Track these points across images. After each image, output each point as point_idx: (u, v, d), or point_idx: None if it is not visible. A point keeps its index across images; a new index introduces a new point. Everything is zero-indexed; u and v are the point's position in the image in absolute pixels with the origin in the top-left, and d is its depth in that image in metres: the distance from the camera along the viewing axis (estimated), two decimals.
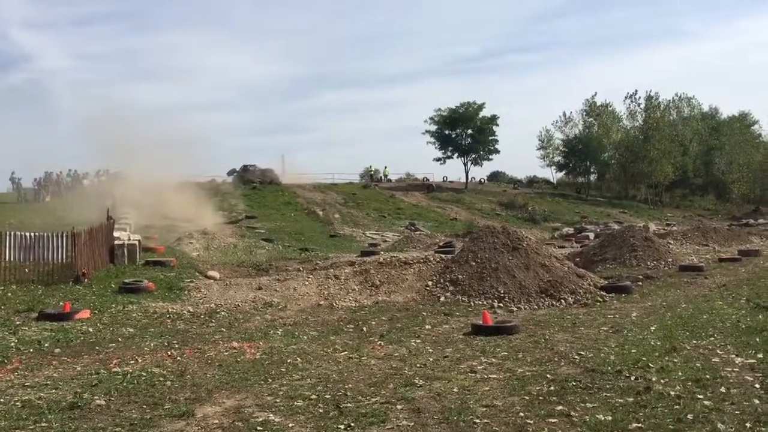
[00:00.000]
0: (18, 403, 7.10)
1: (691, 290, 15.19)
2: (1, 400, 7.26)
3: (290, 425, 6.37)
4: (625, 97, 66.88)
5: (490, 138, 60.24)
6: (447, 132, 60.29)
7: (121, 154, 43.16)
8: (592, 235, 35.89)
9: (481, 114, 59.82)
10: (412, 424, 6.29)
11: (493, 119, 60.04)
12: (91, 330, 11.40)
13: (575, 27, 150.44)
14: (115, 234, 19.97)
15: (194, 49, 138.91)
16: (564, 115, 69.10)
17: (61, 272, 15.81)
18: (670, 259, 20.21)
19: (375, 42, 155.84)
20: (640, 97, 66.05)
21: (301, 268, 19.24)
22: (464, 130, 60.05)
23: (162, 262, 18.99)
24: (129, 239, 19.99)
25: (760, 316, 11.14)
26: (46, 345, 10.20)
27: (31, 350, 9.88)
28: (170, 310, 13.34)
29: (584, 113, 67.83)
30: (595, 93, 79.83)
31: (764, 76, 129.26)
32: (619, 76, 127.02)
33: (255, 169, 52.19)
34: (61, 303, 13.08)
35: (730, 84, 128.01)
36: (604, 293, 14.57)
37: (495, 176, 70.50)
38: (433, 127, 60.42)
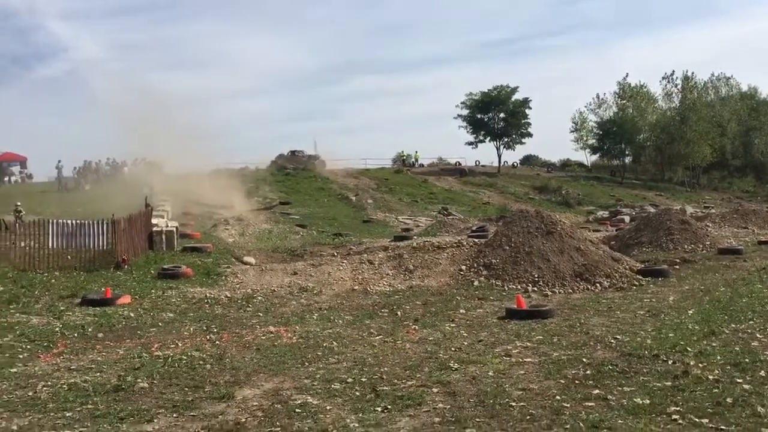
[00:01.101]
0: (65, 386, 7.34)
1: (730, 274, 14.94)
2: (49, 383, 7.51)
3: (328, 407, 6.47)
4: (662, 78, 65.62)
5: (523, 121, 59.54)
6: (479, 116, 59.76)
7: (158, 142, 43.85)
8: (627, 219, 35.47)
9: (514, 97, 59.17)
10: (449, 406, 6.35)
11: (526, 102, 59.33)
12: (132, 315, 11.67)
13: (605, 8, 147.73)
14: (153, 221, 20.33)
15: (226, 37, 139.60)
16: (597, 97, 67.95)
17: (102, 259, 16.19)
18: (708, 242, 19.86)
19: (404, 28, 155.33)
20: (677, 78, 64.78)
21: (335, 254, 19.39)
22: (497, 114, 59.48)
23: (199, 248, 19.29)
24: (167, 226, 20.33)
25: None
26: (89, 330, 10.49)
27: (76, 335, 10.17)
28: (208, 295, 13.58)
29: (617, 95, 66.69)
30: (627, 74, 78.40)
31: None
32: (652, 57, 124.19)
33: (302, 154, 52.58)
34: (102, 289, 13.39)
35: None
36: (640, 277, 14.42)
37: (528, 160, 69.84)
38: (465, 111, 60.00)
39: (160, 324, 11.09)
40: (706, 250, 19.10)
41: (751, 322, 9.53)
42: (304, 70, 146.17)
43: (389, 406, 6.43)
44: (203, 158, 41.66)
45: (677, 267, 16.17)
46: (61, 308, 11.97)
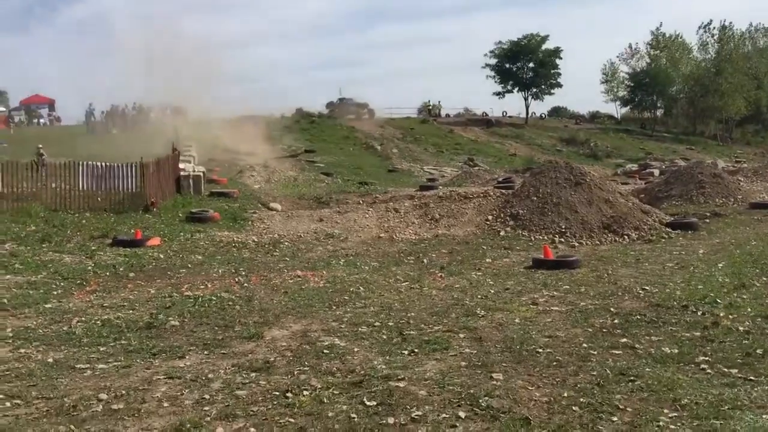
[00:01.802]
0: (98, 322, 7.51)
1: (762, 228, 14.71)
2: (83, 318, 7.68)
3: (355, 350, 6.55)
4: (699, 27, 63.68)
5: (553, 71, 58.38)
6: (507, 65, 58.69)
7: (183, 88, 43.79)
8: (656, 172, 34.91)
9: (544, 47, 57.90)
10: (475, 351, 6.38)
11: (557, 52, 57.99)
12: (161, 256, 11.85)
13: None
14: (180, 166, 20.46)
15: None
16: (630, 47, 66.28)
17: (131, 201, 16.39)
18: (740, 197, 19.52)
19: None
20: (714, 28, 62.78)
21: (361, 201, 19.38)
22: (525, 64, 58.35)
23: (226, 193, 19.44)
24: (194, 171, 20.48)
25: None
26: (120, 269, 10.69)
27: (107, 274, 10.37)
28: (235, 239, 13.72)
29: (650, 45, 64.91)
30: (661, 24, 76.07)
31: None
32: (687, 5, 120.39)
33: (351, 102, 52.28)
34: (132, 230, 13.59)
35: None
36: (669, 230, 14.26)
37: (556, 111, 68.67)
38: (493, 61, 58.92)
39: (189, 266, 11.25)
40: (737, 204, 18.80)
41: None
42: (329, 16, 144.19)
43: (416, 350, 6.48)
44: (228, 105, 41.62)
45: (707, 220, 15.96)
46: (93, 248, 12.18)
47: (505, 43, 58.26)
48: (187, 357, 6.39)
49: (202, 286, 9.52)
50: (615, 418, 4.71)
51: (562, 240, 13.76)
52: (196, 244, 13.15)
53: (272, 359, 6.28)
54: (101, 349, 6.60)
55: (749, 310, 7.48)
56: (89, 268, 10.65)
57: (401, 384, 5.47)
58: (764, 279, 9.28)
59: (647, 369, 5.70)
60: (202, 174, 20.37)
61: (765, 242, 12.57)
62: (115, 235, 13.02)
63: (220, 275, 10.42)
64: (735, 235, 13.99)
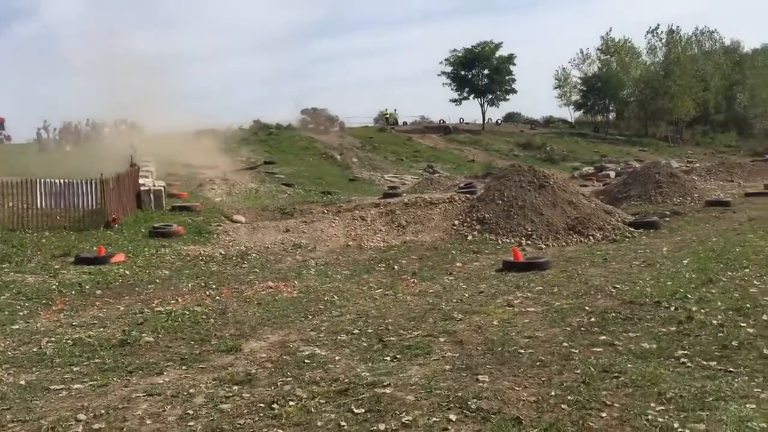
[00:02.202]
0: (69, 342, 7.29)
1: (720, 225, 15.10)
2: (53, 338, 7.45)
3: (336, 358, 6.49)
4: (647, 32, 65.30)
5: (507, 78, 59.28)
6: (463, 73, 59.36)
7: (138, 103, 43.18)
8: (612, 174, 35.63)
9: (498, 53, 58.76)
10: (458, 354, 6.39)
11: (510, 58, 58.94)
12: (128, 272, 11.59)
13: None
14: (140, 181, 20.08)
15: None
16: (581, 52, 67.72)
17: (92, 218, 15.98)
18: (696, 195, 20.05)
19: None
20: (661, 32, 64.53)
21: (326, 211, 19.25)
22: (480, 71, 59.12)
23: (188, 207, 19.13)
24: (154, 186, 20.09)
25: None
26: (87, 287, 10.41)
27: (73, 292, 10.08)
28: (202, 252, 13.51)
29: (600, 50, 66.40)
30: (610, 29, 77.82)
31: None
32: (634, 11, 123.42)
33: (324, 113, 51.83)
34: (95, 248, 13.26)
35: (752, 17, 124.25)
36: (632, 229, 14.53)
37: (510, 117, 69.60)
38: (449, 69, 59.52)
39: (157, 281, 11.02)
40: (694, 202, 19.29)
41: (747, 270, 9.64)
42: (283, 28, 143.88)
43: (398, 356, 6.46)
44: (184, 119, 41.13)
45: (668, 219, 16.32)
46: (56, 267, 11.84)
47: (459, 51, 58.99)
48: (165, 373, 6.24)
49: (173, 301, 9.33)
50: (604, 414, 4.75)
51: (529, 242, 13.90)
52: (162, 259, 12.90)
53: (253, 371, 6.17)
54: (75, 368, 6.40)
55: (720, 303, 7.65)
56: (54, 287, 10.34)
57: (388, 390, 5.43)
58: (729, 274, 9.49)
59: (629, 365, 5.78)
60: (162, 188, 20.00)
61: (725, 238, 12.90)
62: (77, 253, 12.68)
63: (190, 289, 10.23)
64: (695, 232, 14.33)
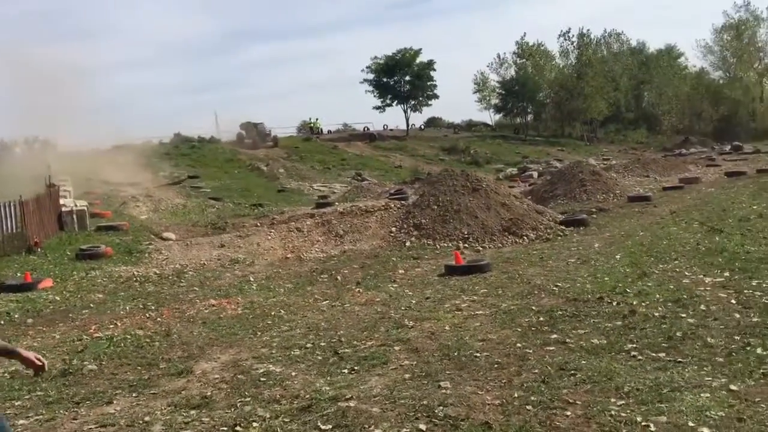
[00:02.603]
0: (6, 375, 6.89)
1: (644, 219, 15.74)
2: None
3: (293, 374, 6.38)
4: (558, 36, 67.86)
5: (429, 83, 60.17)
6: (385, 80, 59.88)
7: (50, 119, 41.51)
8: (535, 174, 36.69)
9: (418, 60, 59.56)
10: (415, 362, 6.39)
11: (431, 64, 59.95)
12: (58, 298, 11.08)
13: None
14: (60, 201, 19.31)
15: (113, 7, 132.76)
16: (498, 57, 69.59)
17: (11, 243, 15.24)
18: (617, 191, 20.86)
19: None
20: (572, 35, 66.98)
21: (259, 224, 19.01)
22: (402, 77, 59.78)
23: (114, 226, 18.51)
24: (76, 206, 19.36)
25: (717, 238, 11.68)
26: (16, 316, 9.89)
27: (2, 322, 9.56)
28: (135, 273, 13.07)
29: (516, 54, 68.40)
30: (525, 34, 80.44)
31: (688, 7, 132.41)
32: (546, 17, 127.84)
33: (263, 128, 50.37)
34: (19, 273, 12.64)
35: (655, 18, 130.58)
36: (563, 227, 14.96)
37: (432, 122, 70.74)
38: (371, 76, 59.97)
39: (91, 305, 10.58)
40: (617, 198, 20.07)
41: (677, 262, 10.08)
42: (199, 38, 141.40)
43: (356, 367, 6.41)
44: (101, 134, 39.85)
45: (594, 216, 16.89)
46: None
47: (380, 58, 59.47)
48: (115, 401, 5.98)
49: (111, 326, 8.97)
50: (569, 413, 4.84)
51: (467, 245, 14.10)
52: (93, 282, 12.40)
53: (209, 393, 5.99)
54: (17, 403, 6.06)
55: (658, 296, 7.95)
56: None
57: (351, 403, 5.38)
58: (661, 266, 9.90)
59: (583, 361, 5.92)
60: (85, 208, 19.29)
61: (651, 232, 13.45)
62: (1, 280, 12.04)
63: (128, 312, 9.86)
64: (622, 227, 14.88)
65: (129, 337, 8.21)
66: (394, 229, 15.32)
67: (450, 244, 14.17)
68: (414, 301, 9.26)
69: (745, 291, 7.85)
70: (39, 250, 15.11)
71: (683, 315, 7.05)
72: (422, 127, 65.54)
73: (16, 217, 15.36)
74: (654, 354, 5.98)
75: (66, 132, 38.26)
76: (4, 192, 17.41)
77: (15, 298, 11.06)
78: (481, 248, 13.87)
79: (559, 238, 14.24)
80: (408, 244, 14.53)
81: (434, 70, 60.19)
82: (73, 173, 28.55)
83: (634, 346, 6.24)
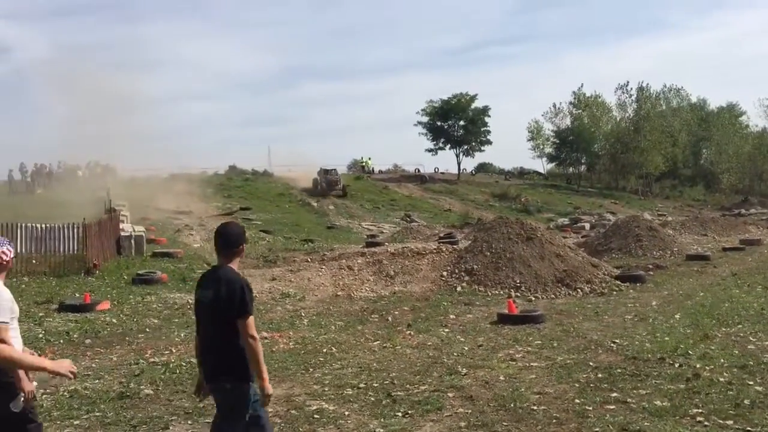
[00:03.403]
0: (65, 393, 7.03)
1: (704, 279, 15.33)
2: (47, 390, 7.17)
3: (346, 413, 6.35)
4: (617, 88, 67.25)
5: (482, 129, 60.29)
6: (439, 123, 60.25)
7: (112, 145, 42.92)
8: (587, 226, 36.11)
9: (473, 105, 59.84)
10: (470, 411, 6.29)
11: (485, 110, 60.06)
12: (115, 321, 11.30)
13: (556, 19, 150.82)
14: (120, 226, 19.82)
15: (177, 40, 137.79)
16: (554, 106, 69.44)
17: (71, 264, 15.68)
18: (675, 249, 20.39)
19: (357, 33, 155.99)
20: (631, 88, 66.44)
21: (309, 259, 19.13)
22: (456, 121, 60.07)
23: (169, 253, 18.88)
24: (135, 231, 19.84)
25: None
26: (75, 335, 10.10)
27: (61, 341, 9.77)
28: (189, 301, 13.22)
29: (572, 105, 68.19)
30: (582, 84, 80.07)
31: (750, 67, 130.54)
32: (604, 68, 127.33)
33: (335, 175, 46.51)
34: (77, 294, 12.96)
35: (716, 75, 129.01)
36: (619, 282, 14.65)
37: (482, 167, 70.59)
38: (425, 119, 60.38)
39: (147, 330, 10.75)
40: (674, 256, 19.60)
41: (740, 326, 9.76)
42: (258, 74, 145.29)
43: (409, 411, 6.34)
44: (159, 162, 41.01)
45: (651, 273, 16.49)
46: (40, 314, 11.46)
47: (436, 102, 59.94)
48: (170, 428, 6.05)
49: (167, 352, 9.10)
50: None
51: (518, 294, 13.91)
52: (149, 307, 12.62)
53: None
54: (75, 422, 6.17)
55: (722, 360, 7.69)
56: (40, 335, 10.01)
57: None
58: (724, 329, 9.59)
59: (646, 423, 5.73)
60: (143, 234, 19.76)
61: (712, 293, 13.08)
62: (61, 300, 12.35)
63: (182, 339, 9.97)
64: (681, 286, 14.50)
65: (184, 364, 8.30)
66: (445, 273, 15.24)
67: (501, 292, 14.00)
68: (466, 348, 9.15)
69: None
70: (97, 272, 15.49)
71: (750, 382, 6.79)
72: (473, 172, 65.45)
73: (78, 239, 15.82)
74: (721, 421, 5.75)
75: (126, 158, 39.48)
76: (66, 214, 18.01)
77: (74, 318, 11.31)
78: (533, 298, 13.67)
79: (615, 293, 13.93)
80: (459, 289, 14.41)
81: (489, 116, 60.39)
82: (130, 198, 29.38)
83: (700, 411, 6.02)
